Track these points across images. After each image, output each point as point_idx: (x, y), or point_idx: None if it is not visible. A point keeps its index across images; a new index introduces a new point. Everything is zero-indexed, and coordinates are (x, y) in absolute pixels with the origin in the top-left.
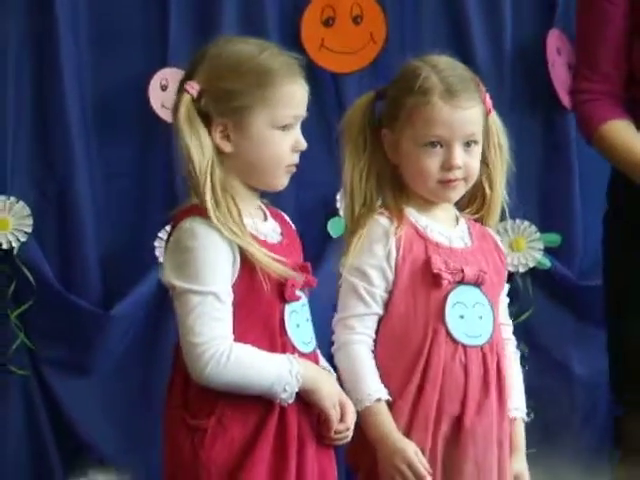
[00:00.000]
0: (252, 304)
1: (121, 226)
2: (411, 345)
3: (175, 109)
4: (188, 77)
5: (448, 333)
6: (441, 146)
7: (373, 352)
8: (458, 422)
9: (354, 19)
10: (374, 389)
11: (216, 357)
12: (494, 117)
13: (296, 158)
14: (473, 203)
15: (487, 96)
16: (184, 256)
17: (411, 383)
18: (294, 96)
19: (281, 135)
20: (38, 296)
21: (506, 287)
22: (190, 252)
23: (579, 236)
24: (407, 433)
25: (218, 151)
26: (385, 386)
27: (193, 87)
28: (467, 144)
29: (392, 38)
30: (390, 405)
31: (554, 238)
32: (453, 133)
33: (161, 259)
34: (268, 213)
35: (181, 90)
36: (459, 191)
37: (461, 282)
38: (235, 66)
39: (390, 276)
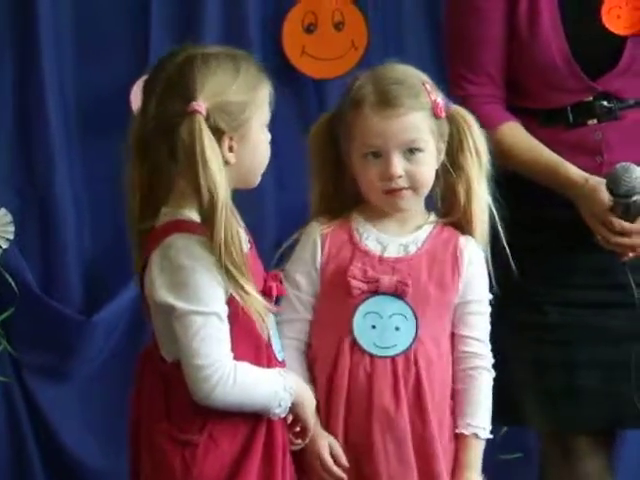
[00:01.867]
0: (244, 318)
1: (103, 233)
2: (323, 353)
3: (188, 130)
4: (182, 97)
5: (354, 342)
6: (381, 156)
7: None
8: (368, 434)
9: (336, 25)
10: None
11: (223, 379)
12: (467, 120)
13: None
14: (451, 211)
15: (437, 100)
16: (181, 275)
17: (321, 392)
18: (271, 97)
19: (266, 133)
20: (20, 302)
21: (481, 299)
22: (188, 271)
23: None
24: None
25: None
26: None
27: (201, 106)
28: (410, 151)
29: (374, 44)
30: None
31: None
32: (388, 142)
33: None
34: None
35: (174, 111)
36: (408, 200)
37: (377, 292)
38: (232, 80)
39: (316, 280)
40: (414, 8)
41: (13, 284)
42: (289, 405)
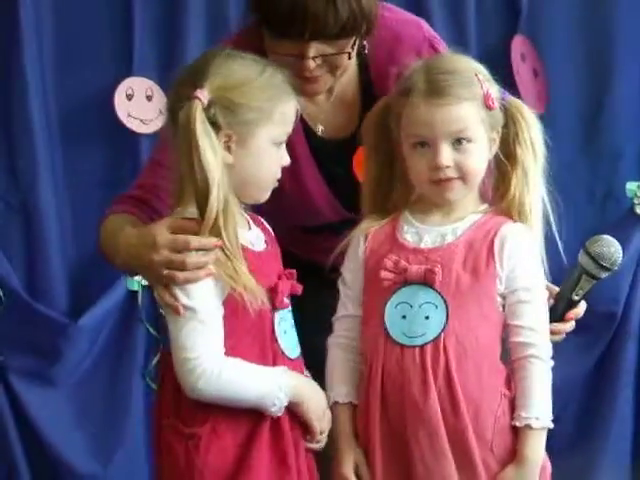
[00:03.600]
0: (243, 315)
1: (88, 236)
2: (364, 346)
3: (185, 115)
4: (192, 84)
5: (386, 333)
6: (429, 146)
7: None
8: (403, 426)
9: None
10: (335, 392)
11: (207, 373)
12: (523, 113)
13: (280, 173)
14: (501, 201)
15: (488, 90)
16: None
17: (361, 386)
18: (291, 114)
19: (276, 151)
20: (5, 306)
21: (529, 288)
22: None
23: (547, 243)
24: (366, 437)
25: None
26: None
27: (204, 95)
28: (458, 141)
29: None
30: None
31: None
32: (435, 132)
33: None
34: (251, 221)
35: (181, 96)
36: (456, 191)
37: (406, 282)
38: (246, 81)
39: (362, 276)
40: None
41: None
42: (284, 404)
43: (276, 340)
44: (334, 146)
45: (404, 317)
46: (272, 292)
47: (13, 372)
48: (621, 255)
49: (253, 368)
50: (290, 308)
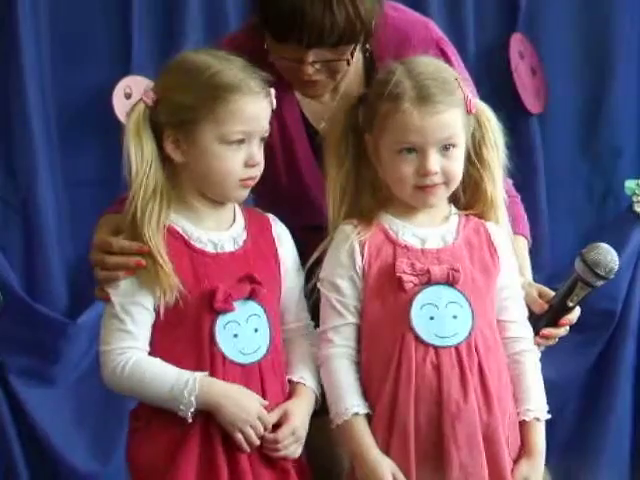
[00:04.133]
0: (176, 316)
1: (86, 234)
2: (383, 351)
3: (127, 117)
4: (155, 85)
5: (416, 336)
6: (416, 152)
7: (359, 362)
8: (439, 425)
9: None
10: (351, 403)
11: (113, 367)
12: (488, 116)
13: (252, 172)
14: (475, 203)
15: (469, 96)
16: None
17: (385, 390)
18: (243, 112)
19: (230, 150)
20: (4, 305)
21: (514, 283)
22: None
23: (546, 242)
24: (387, 443)
25: (169, 161)
26: (367, 396)
27: (149, 96)
28: (445, 148)
29: None
30: (370, 417)
31: None
32: (426, 139)
33: None
34: (242, 220)
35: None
36: (439, 196)
37: (429, 283)
38: (187, 79)
39: (359, 284)
40: None
41: None
42: (192, 409)
43: (215, 345)
44: None
45: (432, 318)
46: (211, 295)
47: (12, 371)
48: (617, 264)
49: (160, 370)
50: (256, 311)
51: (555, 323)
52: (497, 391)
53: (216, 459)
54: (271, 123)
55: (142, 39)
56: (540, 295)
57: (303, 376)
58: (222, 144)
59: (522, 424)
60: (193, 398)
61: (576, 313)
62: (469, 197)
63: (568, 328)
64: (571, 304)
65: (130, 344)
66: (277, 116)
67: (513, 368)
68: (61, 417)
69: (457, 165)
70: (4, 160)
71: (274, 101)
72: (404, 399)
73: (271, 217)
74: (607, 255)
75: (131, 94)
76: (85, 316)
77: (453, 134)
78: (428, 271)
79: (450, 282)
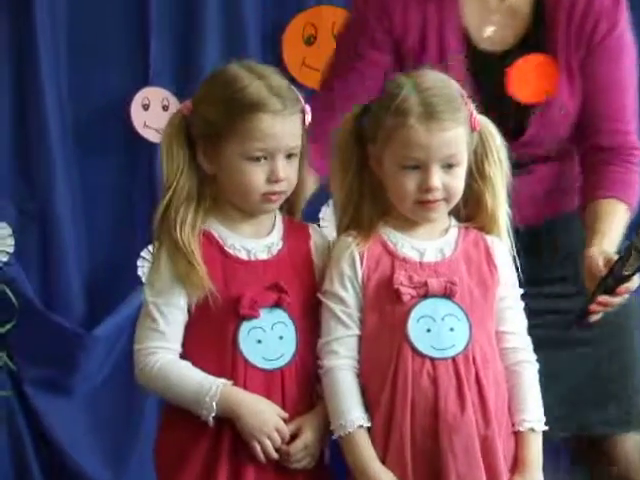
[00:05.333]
0: (203, 319)
1: (103, 246)
2: (380, 363)
3: (165, 125)
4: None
5: (413, 347)
6: (419, 168)
7: (359, 374)
8: (435, 437)
9: (336, 37)
10: (355, 416)
11: (143, 366)
12: (491, 131)
13: (276, 187)
14: (475, 216)
15: (473, 113)
16: (151, 261)
17: (382, 401)
18: (262, 131)
19: (253, 166)
20: (20, 316)
21: (513, 294)
22: (152, 258)
23: None
24: (384, 452)
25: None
26: (366, 407)
27: (187, 106)
28: (448, 165)
29: None
30: (368, 428)
31: None
32: (430, 156)
33: (144, 279)
34: (281, 229)
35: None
36: (439, 211)
37: (427, 295)
38: (215, 93)
39: (360, 294)
40: None
41: (13, 298)
42: (213, 414)
43: (238, 349)
44: (491, 59)
45: (429, 330)
46: (237, 301)
47: (28, 382)
48: None
49: (187, 374)
50: (282, 319)
51: (612, 291)
52: (494, 403)
53: (219, 464)
54: (425, 33)
55: (160, 51)
56: (605, 262)
57: None
58: (244, 159)
59: (517, 435)
60: (214, 404)
61: (635, 282)
62: (470, 210)
63: (626, 297)
64: (627, 273)
65: (160, 344)
66: (436, 26)
67: (511, 378)
68: (77, 428)
69: (458, 182)
70: (22, 169)
71: (308, 117)
72: (401, 410)
73: (312, 227)
74: None
75: (149, 105)
76: (102, 327)
77: (457, 151)
78: (426, 284)
79: (447, 295)
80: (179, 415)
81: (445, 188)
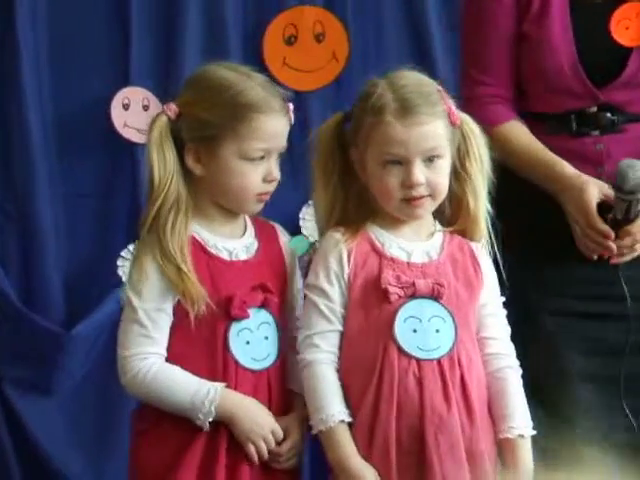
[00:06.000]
0: (190, 322)
1: (83, 246)
2: (365, 361)
3: (149, 128)
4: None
5: (399, 347)
6: (401, 164)
7: (338, 370)
8: (421, 437)
9: (316, 37)
10: (337, 410)
11: (134, 372)
12: (472, 128)
13: (269, 187)
14: (458, 218)
15: (452, 107)
16: (132, 266)
17: (366, 400)
18: (265, 130)
19: (250, 167)
20: (0, 315)
21: (495, 301)
22: (134, 262)
23: None
24: (368, 451)
25: (187, 172)
26: (346, 404)
27: (171, 109)
28: (429, 159)
29: (355, 56)
30: (350, 425)
31: None
32: (410, 150)
33: (124, 278)
34: (252, 229)
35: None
36: (425, 208)
37: (414, 296)
38: (210, 96)
39: (345, 291)
40: (394, 19)
41: None
42: (210, 418)
43: (229, 350)
44: (594, 6)
45: (415, 331)
46: (227, 302)
47: (8, 382)
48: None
49: (182, 379)
50: (266, 319)
51: (617, 235)
52: (479, 404)
53: (217, 464)
54: None
55: (141, 50)
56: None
57: None
58: (242, 160)
59: (506, 442)
60: (213, 408)
61: (638, 225)
62: (453, 212)
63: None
64: (619, 217)
65: (153, 350)
66: None
67: (495, 385)
68: (57, 427)
69: (442, 177)
70: (2, 170)
71: (292, 117)
72: (386, 410)
73: (276, 226)
74: (634, 171)
75: (129, 105)
76: (81, 326)
77: (437, 145)
78: (413, 284)
79: (434, 296)
80: (167, 422)
81: (429, 184)
